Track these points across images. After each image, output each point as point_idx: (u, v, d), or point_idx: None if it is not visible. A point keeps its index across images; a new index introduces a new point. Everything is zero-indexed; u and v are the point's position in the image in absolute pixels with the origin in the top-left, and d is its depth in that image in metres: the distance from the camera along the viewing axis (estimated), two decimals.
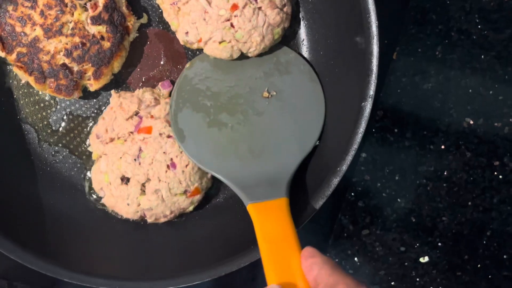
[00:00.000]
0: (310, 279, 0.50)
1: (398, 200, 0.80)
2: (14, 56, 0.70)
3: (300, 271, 0.51)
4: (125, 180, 0.71)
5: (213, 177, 0.75)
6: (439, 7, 0.78)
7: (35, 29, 0.69)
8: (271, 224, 0.57)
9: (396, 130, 0.80)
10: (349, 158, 0.63)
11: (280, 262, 0.53)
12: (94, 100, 0.75)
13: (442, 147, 0.79)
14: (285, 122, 0.69)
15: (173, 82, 0.75)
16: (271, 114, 0.69)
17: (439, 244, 0.81)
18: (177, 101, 0.70)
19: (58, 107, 0.75)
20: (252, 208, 0.61)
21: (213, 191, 0.76)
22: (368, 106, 0.62)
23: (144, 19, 0.73)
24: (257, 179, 0.64)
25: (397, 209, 0.80)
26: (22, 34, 0.69)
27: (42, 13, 0.68)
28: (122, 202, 0.72)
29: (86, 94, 0.74)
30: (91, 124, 0.75)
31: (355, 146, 0.63)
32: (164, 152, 0.70)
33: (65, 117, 0.75)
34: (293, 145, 0.67)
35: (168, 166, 0.70)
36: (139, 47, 0.74)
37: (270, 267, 0.53)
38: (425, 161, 0.80)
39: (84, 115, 0.75)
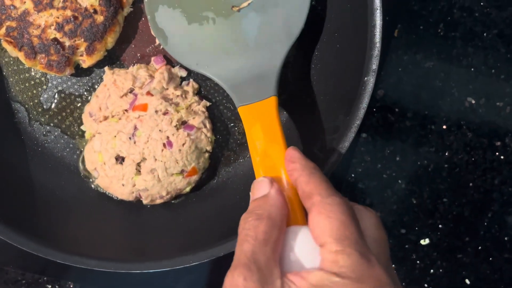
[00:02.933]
0: (292, 184, 0.50)
1: (399, 181, 0.79)
2: (3, 30, 0.67)
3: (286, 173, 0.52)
4: (119, 159, 0.69)
5: (210, 157, 0.73)
6: None
7: (25, 2, 0.66)
8: (260, 125, 0.57)
9: (397, 110, 0.78)
10: (351, 135, 0.62)
11: (269, 164, 0.54)
12: (87, 78, 0.72)
13: (444, 127, 0.78)
14: (270, 8, 0.65)
15: (166, 58, 0.73)
16: (254, 3, 0.65)
17: (440, 226, 0.80)
18: (150, 4, 0.68)
19: (50, 84, 0.72)
20: (242, 111, 0.60)
21: (210, 172, 0.74)
22: (371, 80, 0.60)
23: None
24: (247, 76, 0.63)
25: (398, 191, 0.79)
26: (12, 7, 0.66)
27: None
28: (117, 183, 0.69)
29: (79, 72, 0.71)
30: (84, 103, 0.73)
31: (358, 122, 0.61)
32: (160, 130, 0.68)
33: (56, 95, 0.72)
34: (279, 33, 0.64)
35: (164, 145, 0.68)
36: (134, 23, 0.72)
37: (259, 168, 0.55)
38: (426, 141, 0.78)
39: (76, 93, 0.73)
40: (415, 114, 0.78)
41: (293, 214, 0.49)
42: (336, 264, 0.41)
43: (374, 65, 0.61)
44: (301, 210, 0.49)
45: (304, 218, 0.49)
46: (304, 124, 0.70)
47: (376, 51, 0.60)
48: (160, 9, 0.67)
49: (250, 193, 0.51)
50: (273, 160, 0.54)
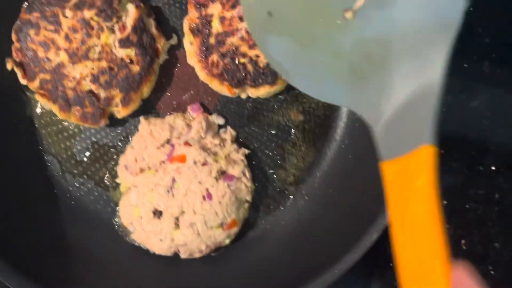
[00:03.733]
0: None
1: (447, 226, 0.75)
2: (36, 83, 0.65)
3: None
4: (157, 213, 0.66)
5: (250, 207, 0.70)
6: (485, 21, 0.73)
7: (59, 54, 0.64)
8: (406, 203, 0.38)
9: (442, 151, 0.74)
10: None
11: (418, 273, 0.37)
12: (121, 128, 0.70)
13: (492, 168, 0.74)
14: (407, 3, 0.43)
15: (203, 105, 0.71)
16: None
17: (492, 272, 0.75)
18: (255, 31, 0.53)
19: (83, 136, 0.70)
20: (386, 168, 0.41)
21: (249, 222, 0.71)
22: None
23: (174, 40, 0.69)
24: (397, 105, 0.42)
25: (446, 237, 0.75)
26: (45, 59, 0.64)
27: (67, 37, 0.63)
28: (155, 238, 0.66)
29: (113, 122, 0.69)
30: (118, 154, 0.70)
31: None
32: (199, 182, 0.65)
33: (90, 147, 0.70)
34: (425, 29, 0.42)
35: (203, 197, 0.65)
36: (169, 71, 0.70)
37: (405, 273, 0.37)
38: (474, 183, 0.74)
39: (110, 144, 0.70)
40: (462, 155, 0.74)
41: None
42: None
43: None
44: None
45: None
46: (355, 173, 0.67)
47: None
48: (270, 40, 0.52)
49: None
50: (427, 268, 0.37)
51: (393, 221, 0.39)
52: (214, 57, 0.65)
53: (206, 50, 0.65)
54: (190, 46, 0.66)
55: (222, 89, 0.67)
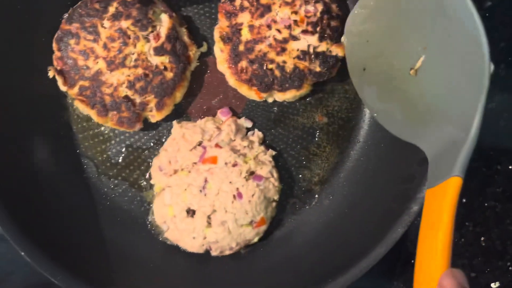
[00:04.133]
0: None
1: (466, 223, 0.77)
2: (76, 90, 0.69)
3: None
4: (190, 212, 0.69)
5: (277, 206, 0.73)
6: (500, 25, 0.76)
7: (97, 62, 0.68)
8: (432, 217, 0.48)
9: None
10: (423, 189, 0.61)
11: (424, 274, 0.46)
12: (154, 132, 0.74)
13: (510, 167, 0.77)
14: (446, 56, 0.55)
15: (231, 109, 0.74)
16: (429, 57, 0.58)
17: (510, 268, 0.78)
18: (357, 85, 0.69)
19: (118, 139, 0.74)
20: (428, 195, 0.51)
21: (276, 221, 0.74)
22: None
23: (204, 48, 0.73)
24: (439, 141, 0.54)
25: (466, 233, 0.77)
26: (85, 67, 0.68)
27: (105, 46, 0.67)
28: (188, 236, 0.69)
29: (146, 126, 0.72)
30: (151, 156, 0.74)
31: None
32: (230, 182, 0.68)
33: (124, 150, 0.74)
34: (460, 83, 0.53)
35: (234, 196, 0.68)
36: (199, 77, 0.73)
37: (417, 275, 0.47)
38: (493, 181, 0.77)
39: (144, 147, 0.74)
40: (480, 155, 0.77)
41: None
42: None
43: None
44: None
45: None
46: (378, 173, 0.70)
47: None
48: (365, 87, 0.68)
49: None
50: (432, 268, 0.46)
51: (422, 230, 0.49)
52: (243, 63, 0.69)
53: (235, 57, 0.69)
54: (221, 53, 0.70)
55: (250, 93, 0.71)
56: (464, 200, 0.77)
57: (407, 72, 0.60)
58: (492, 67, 0.51)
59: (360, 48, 0.67)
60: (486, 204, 0.77)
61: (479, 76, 0.51)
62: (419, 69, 0.59)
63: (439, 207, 0.47)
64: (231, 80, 0.71)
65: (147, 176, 0.73)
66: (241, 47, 0.69)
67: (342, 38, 0.70)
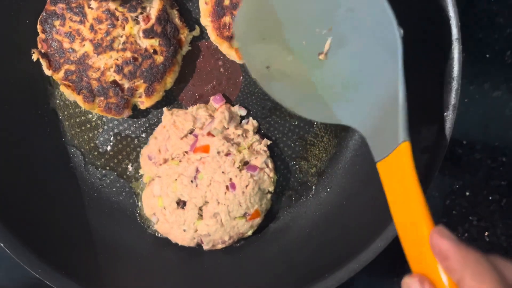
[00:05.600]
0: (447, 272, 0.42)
1: (470, 218, 0.74)
2: (61, 74, 0.65)
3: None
4: (181, 204, 0.66)
5: (272, 198, 0.70)
6: (507, 10, 0.73)
7: (84, 45, 0.64)
8: (396, 186, 0.48)
9: (464, 142, 0.74)
10: (431, 178, 0.58)
11: (413, 236, 0.46)
12: (143, 119, 0.70)
13: None
14: (352, 36, 0.56)
15: (225, 96, 0.71)
16: (335, 39, 0.58)
17: None
18: (262, 83, 0.62)
19: (106, 127, 0.70)
20: (380, 167, 0.52)
21: (271, 214, 0.71)
22: (450, 116, 0.57)
23: (197, 31, 0.69)
24: (375, 115, 0.53)
25: (469, 228, 0.74)
26: (70, 50, 0.65)
27: (91, 28, 0.64)
28: (178, 228, 0.66)
29: (135, 113, 0.69)
30: (140, 145, 0.70)
31: (439, 163, 0.57)
32: (222, 172, 0.65)
33: (112, 138, 0.70)
34: (377, 54, 0.54)
35: (227, 187, 0.65)
36: (191, 62, 0.70)
37: (404, 242, 0.47)
38: (497, 174, 0.74)
39: (133, 135, 0.70)
40: (484, 146, 0.74)
41: None
42: None
43: (454, 100, 0.57)
44: None
45: None
46: None
47: (456, 85, 0.57)
48: (272, 84, 0.62)
49: None
50: (419, 234, 0.45)
51: (390, 203, 0.49)
52: (227, 19, 0.65)
53: (220, 10, 0.65)
54: (205, 6, 0.66)
55: (230, 53, 0.67)
56: (467, 194, 0.74)
57: (316, 58, 0.59)
58: (401, 30, 0.52)
59: (257, 47, 0.61)
60: (490, 198, 0.74)
61: (391, 41, 0.52)
62: (328, 52, 0.58)
63: (401, 171, 0.48)
64: (213, 36, 0.67)
65: (137, 166, 0.70)
66: (227, 2, 0.65)
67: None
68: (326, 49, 0.58)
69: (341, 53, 0.57)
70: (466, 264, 0.41)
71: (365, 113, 0.55)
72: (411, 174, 0.47)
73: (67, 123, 0.70)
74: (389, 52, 0.52)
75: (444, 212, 0.74)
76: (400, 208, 0.48)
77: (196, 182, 0.65)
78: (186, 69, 0.70)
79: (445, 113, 0.57)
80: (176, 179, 0.66)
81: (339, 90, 0.58)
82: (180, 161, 0.66)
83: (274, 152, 0.71)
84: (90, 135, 0.70)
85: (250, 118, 0.70)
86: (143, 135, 0.70)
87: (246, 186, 0.66)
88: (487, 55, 0.73)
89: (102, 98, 0.65)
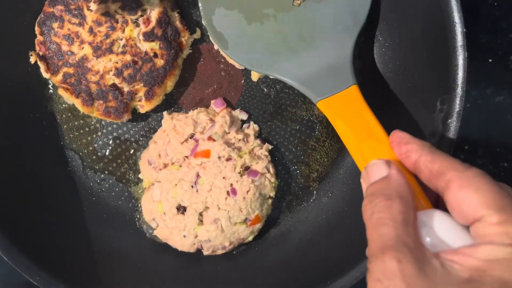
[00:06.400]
0: (408, 166, 0.46)
1: None
2: (59, 77, 0.64)
3: (393, 157, 0.48)
4: (181, 209, 0.65)
5: (273, 203, 0.69)
6: (510, 15, 0.72)
7: (83, 48, 0.63)
8: (349, 116, 0.54)
9: (466, 147, 0.74)
10: None
11: (370, 152, 0.50)
12: (143, 123, 0.69)
13: None
14: None
15: (226, 100, 0.70)
16: None
17: None
18: (206, 3, 0.64)
19: (104, 131, 0.69)
20: (323, 105, 0.57)
21: (272, 219, 0.70)
22: (454, 124, 0.57)
23: (197, 34, 0.68)
24: (318, 69, 0.60)
25: None
26: (69, 53, 0.63)
27: (91, 30, 0.63)
28: (178, 234, 0.65)
29: (135, 117, 0.68)
30: (140, 149, 0.69)
31: None
32: (223, 178, 0.64)
33: (111, 142, 0.69)
34: (345, 21, 0.62)
35: (228, 193, 0.64)
36: (192, 65, 0.69)
37: (361, 158, 0.51)
38: (499, 180, 0.73)
39: (132, 139, 0.69)
40: (486, 151, 0.73)
41: (415, 199, 0.44)
42: (508, 236, 0.37)
43: (458, 107, 0.57)
44: (423, 194, 0.45)
45: (428, 202, 0.45)
46: None
47: (460, 91, 0.57)
48: (217, 12, 0.63)
49: (362, 180, 0.47)
50: (375, 147, 0.50)
51: (341, 136, 0.55)
52: None
53: None
54: None
55: None
56: None
57: (289, 1, 0.63)
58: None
59: None
60: None
61: (360, 12, 0.62)
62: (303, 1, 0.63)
63: (354, 103, 0.55)
64: None
65: (136, 170, 0.69)
66: None
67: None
68: None
69: (314, 5, 0.62)
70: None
71: (306, 68, 0.60)
72: (363, 102, 0.55)
73: (65, 126, 0.69)
74: (354, 19, 0.61)
75: None
76: (355, 135, 0.52)
77: (196, 188, 0.64)
78: (187, 73, 0.69)
79: (449, 120, 0.57)
80: (176, 184, 0.65)
81: (294, 40, 0.62)
82: (180, 166, 0.65)
83: (275, 157, 0.70)
84: (89, 138, 0.69)
85: (251, 122, 0.70)
86: (143, 139, 0.69)
87: (247, 191, 0.65)
88: (490, 60, 0.73)
89: (101, 102, 0.64)
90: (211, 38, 0.66)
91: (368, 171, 0.46)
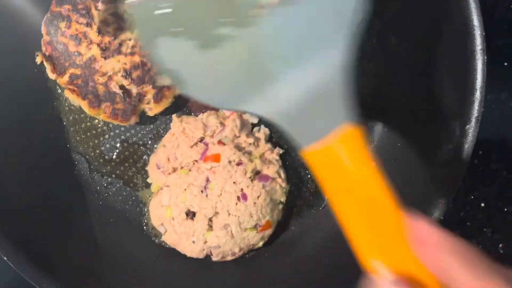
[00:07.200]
0: (434, 272, 0.35)
1: (484, 230, 0.73)
2: (66, 78, 0.63)
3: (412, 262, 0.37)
4: (190, 214, 0.64)
5: (284, 209, 0.68)
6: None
7: (90, 48, 0.62)
8: (340, 181, 0.40)
9: (480, 152, 0.72)
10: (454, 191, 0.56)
11: (374, 239, 0.39)
12: (151, 126, 0.68)
13: None
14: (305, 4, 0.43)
15: None
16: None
17: None
18: (143, 33, 0.48)
19: (112, 134, 0.68)
20: (309, 157, 0.42)
21: (282, 225, 0.69)
22: (473, 129, 0.55)
23: None
24: (300, 100, 0.42)
25: (484, 240, 0.73)
26: (76, 53, 0.62)
27: (99, 31, 0.61)
28: (187, 240, 0.64)
29: (143, 119, 0.67)
30: (148, 153, 0.68)
31: (461, 177, 0.56)
32: (234, 182, 0.63)
33: (118, 145, 0.68)
34: (328, 27, 0.43)
35: (238, 198, 0.63)
36: None
37: (361, 247, 0.40)
38: None
39: (140, 142, 0.68)
40: (501, 157, 0.72)
41: None
42: None
43: (477, 112, 0.55)
44: None
45: None
46: (393, 175, 0.65)
47: (479, 97, 0.55)
48: (160, 44, 0.46)
49: None
50: (381, 242, 0.39)
51: (334, 198, 0.42)
52: None
53: None
54: None
55: None
56: (482, 205, 0.73)
57: (245, 13, 0.43)
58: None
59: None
60: (506, 210, 0.73)
61: (344, 11, 0.42)
62: (268, 5, 0.43)
63: (350, 154, 0.39)
64: None
65: (143, 174, 0.68)
66: None
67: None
68: (272, 2, 0.43)
69: (282, 12, 0.43)
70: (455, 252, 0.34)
71: (283, 99, 0.43)
72: (364, 155, 0.39)
73: (71, 129, 0.67)
74: (340, 22, 0.42)
75: (458, 224, 0.72)
76: (350, 196, 0.40)
77: (206, 192, 0.63)
78: None
79: (467, 126, 0.55)
80: (185, 189, 0.63)
81: (263, 62, 0.44)
82: (189, 170, 0.64)
83: (286, 161, 0.69)
84: (96, 141, 0.68)
85: (262, 126, 0.68)
86: (151, 143, 0.68)
87: (258, 196, 0.63)
88: (505, 64, 0.71)
89: (108, 104, 0.63)
90: (161, 81, 0.54)
91: None
